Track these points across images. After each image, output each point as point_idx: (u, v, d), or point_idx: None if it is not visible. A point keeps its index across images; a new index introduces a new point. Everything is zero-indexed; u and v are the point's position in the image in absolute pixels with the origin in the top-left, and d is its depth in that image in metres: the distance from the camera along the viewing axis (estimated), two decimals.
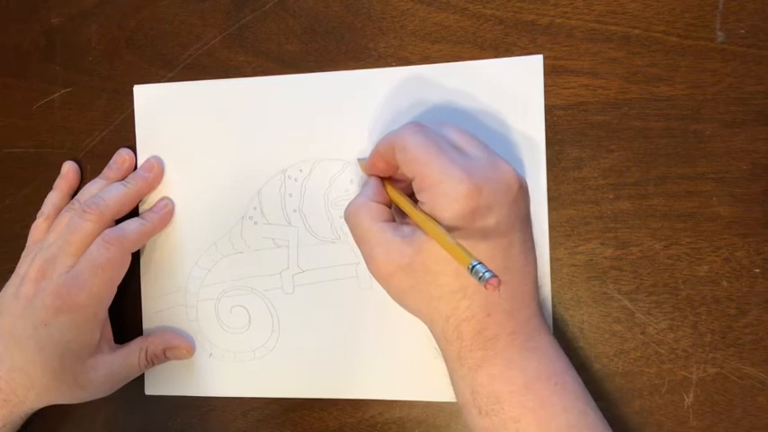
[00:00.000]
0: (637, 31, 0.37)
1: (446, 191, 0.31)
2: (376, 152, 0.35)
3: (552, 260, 0.38)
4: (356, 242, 0.35)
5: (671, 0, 0.37)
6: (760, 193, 0.36)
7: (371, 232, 0.34)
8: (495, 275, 0.27)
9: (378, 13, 0.40)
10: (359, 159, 0.40)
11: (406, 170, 0.33)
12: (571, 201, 0.38)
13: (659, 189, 0.37)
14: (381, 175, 0.37)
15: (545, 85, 0.38)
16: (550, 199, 0.38)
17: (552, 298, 0.38)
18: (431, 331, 0.34)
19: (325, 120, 0.40)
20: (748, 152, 0.36)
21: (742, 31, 0.36)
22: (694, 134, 0.37)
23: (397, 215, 0.36)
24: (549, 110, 0.38)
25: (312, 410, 0.41)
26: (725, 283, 0.36)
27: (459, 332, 0.32)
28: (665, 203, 0.37)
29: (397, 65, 0.40)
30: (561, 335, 0.38)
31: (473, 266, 0.28)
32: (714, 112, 0.37)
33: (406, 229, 0.33)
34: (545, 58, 0.38)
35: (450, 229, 0.31)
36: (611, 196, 0.37)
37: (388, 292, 0.34)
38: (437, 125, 0.35)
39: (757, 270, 0.36)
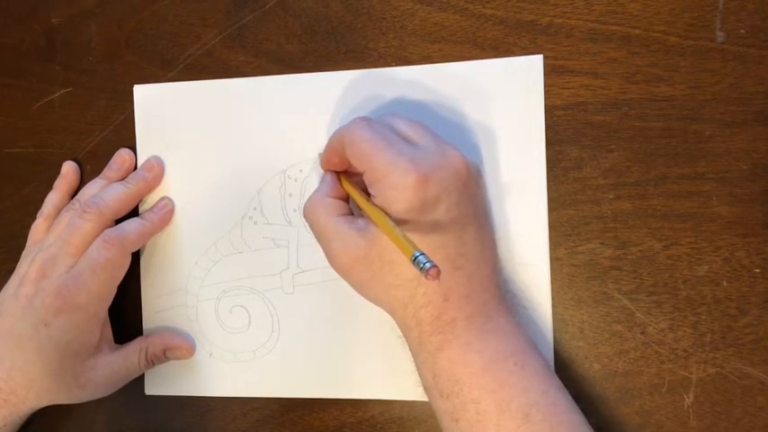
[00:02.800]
0: (637, 31, 0.37)
1: (394, 182, 0.32)
2: (329, 148, 0.36)
3: (552, 260, 0.38)
4: (316, 238, 0.36)
5: (671, 0, 0.37)
6: (760, 193, 0.36)
7: (328, 227, 0.34)
8: (434, 266, 0.28)
9: (378, 13, 0.40)
10: (319, 154, 0.40)
11: (356, 164, 0.34)
12: (571, 201, 0.38)
13: (659, 189, 0.37)
14: (337, 170, 0.37)
15: (545, 85, 0.38)
16: (550, 199, 0.38)
17: (552, 298, 0.38)
18: (394, 320, 0.35)
19: (324, 120, 0.40)
20: (748, 152, 0.36)
21: (742, 31, 0.36)
22: (694, 134, 0.37)
23: (355, 209, 0.37)
24: (549, 110, 0.38)
25: (312, 410, 0.41)
26: (725, 283, 0.36)
27: (417, 318, 0.33)
28: (665, 203, 0.37)
29: (397, 65, 0.40)
30: (561, 335, 0.38)
31: (415, 257, 0.28)
32: (714, 112, 0.37)
33: (361, 221, 0.34)
34: (545, 58, 0.38)
35: (401, 221, 0.32)
36: (611, 196, 0.37)
37: (351, 285, 0.35)
38: (386, 117, 0.36)
39: (757, 270, 0.36)
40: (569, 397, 0.33)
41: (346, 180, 0.37)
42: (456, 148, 0.34)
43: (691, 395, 0.37)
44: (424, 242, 0.32)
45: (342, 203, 0.36)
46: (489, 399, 0.31)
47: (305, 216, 0.36)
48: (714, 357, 0.36)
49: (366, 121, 0.34)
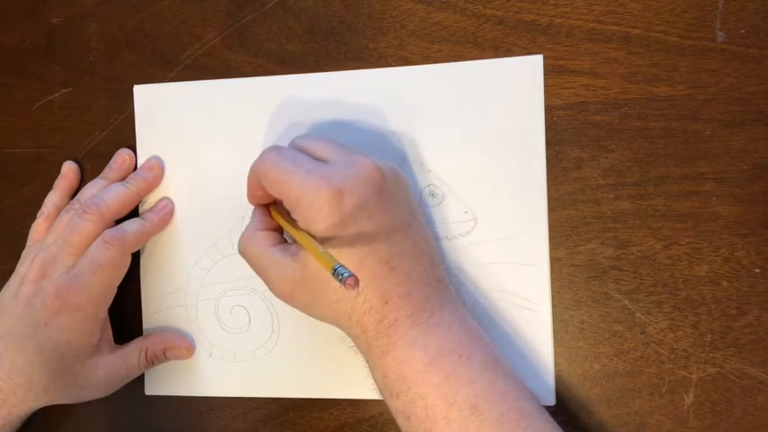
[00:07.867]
0: (637, 31, 0.37)
1: (309, 202, 0.32)
2: (249, 184, 0.37)
3: (552, 260, 0.38)
4: (255, 272, 0.36)
5: (671, 0, 0.37)
6: (760, 193, 0.36)
7: (263, 259, 0.35)
8: (351, 275, 0.28)
9: (378, 13, 0.40)
10: None
11: (274, 194, 0.35)
12: (571, 201, 0.38)
13: (659, 189, 0.37)
14: (265, 202, 0.38)
15: (545, 85, 0.38)
16: (550, 199, 0.38)
17: (552, 298, 0.38)
18: (344, 332, 0.35)
19: (325, 119, 0.40)
20: (748, 152, 0.36)
21: (742, 31, 0.36)
22: (694, 134, 0.37)
23: (290, 238, 0.37)
24: (549, 110, 0.38)
25: (312, 410, 0.41)
26: (725, 283, 0.36)
27: (362, 326, 0.33)
28: (665, 203, 0.37)
29: (397, 65, 0.40)
30: (561, 335, 0.38)
31: (335, 270, 0.29)
32: (714, 112, 0.37)
33: (293, 247, 0.35)
34: (545, 58, 0.38)
35: (326, 238, 0.32)
36: (611, 196, 0.37)
37: (297, 309, 0.36)
38: (295, 140, 0.36)
39: (757, 270, 0.36)
40: (521, 384, 0.33)
41: (275, 210, 0.37)
42: (367, 155, 0.34)
43: (691, 395, 0.37)
44: (352, 252, 0.32)
45: (274, 234, 0.36)
46: (436, 393, 0.32)
47: (240, 253, 0.37)
48: (714, 357, 0.36)
49: (275, 149, 0.35)
